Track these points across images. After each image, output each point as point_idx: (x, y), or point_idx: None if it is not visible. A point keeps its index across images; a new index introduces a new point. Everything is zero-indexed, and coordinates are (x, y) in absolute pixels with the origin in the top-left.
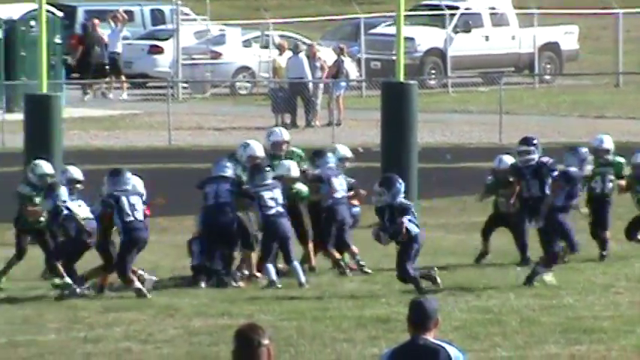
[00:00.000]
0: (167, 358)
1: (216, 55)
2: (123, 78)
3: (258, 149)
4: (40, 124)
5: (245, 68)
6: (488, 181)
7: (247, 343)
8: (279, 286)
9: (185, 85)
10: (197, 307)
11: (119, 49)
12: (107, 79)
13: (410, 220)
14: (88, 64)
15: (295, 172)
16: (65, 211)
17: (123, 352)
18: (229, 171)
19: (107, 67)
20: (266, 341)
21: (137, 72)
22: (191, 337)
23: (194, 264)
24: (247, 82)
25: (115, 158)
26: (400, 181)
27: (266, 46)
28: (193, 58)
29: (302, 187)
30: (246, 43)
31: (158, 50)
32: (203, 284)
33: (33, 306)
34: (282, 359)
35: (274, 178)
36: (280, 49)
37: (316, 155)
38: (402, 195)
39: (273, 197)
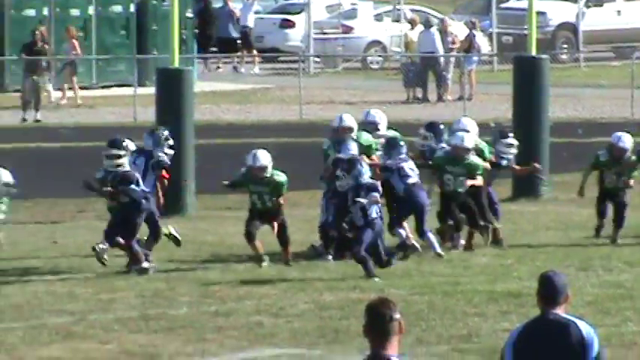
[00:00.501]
0: (298, 332)
1: (348, 30)
2: (254, 52)
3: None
4: (171, 98)
5: (376, 42)
6: (602, 157)
7: (378, 317)
8: (418, 247)
9: (317, 59)
10: (328, 282)
11: (251, 23)
12: (239, 54)
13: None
14: (209, 37)
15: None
16: None
17: (254, 325)
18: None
19: (239, 41)
20: (397, 315)
21: (268, 46)
22: (322, 311)
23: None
24: (379, 56)
25: (246, 132)
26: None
27: (397, 20)
28: (325, 33)
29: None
30: (378, 17)
31: (290, 24)
32: (330, 257)
33: (164, 280)
34: (413, 333)
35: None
36: (412, 23)
37: (390, 145)
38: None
39: (412, 167)
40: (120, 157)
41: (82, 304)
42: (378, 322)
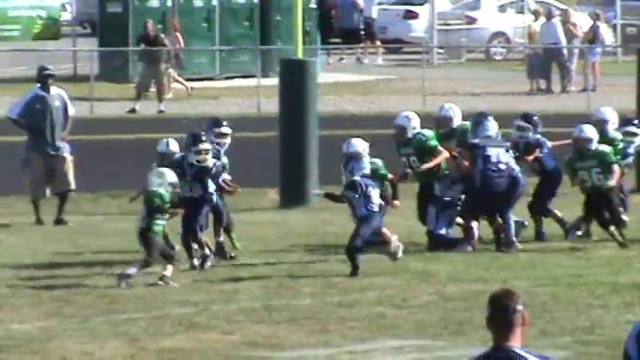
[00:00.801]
0: (421, 324)
1: (472, 21)
2: (378, 43)
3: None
4: (295, 89)
5: (500, 33)
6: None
7: (502, 309)
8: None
9: (440, 50)
10: (451, 273)
11: (374, 14)
12: (362, 45)
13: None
14: (330, 29)
15: None
16: None
17: (376, 317)
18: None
19: (362, 32)
20: (520, 307)
21: (392, 37)
22: (445, 302)
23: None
24: (502, 47)
25: (368, 123)
26: None
27: (521, 12)
28: (448, 24)
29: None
30: (502, 9)
31: (413, 15)
32: (470, 248)
33: (287, 270)
34: (537, 325)
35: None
36: (535, 14)
37: (476, 123)
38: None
39: (498, 155)
40: (208, 152)
41: (204, 294)
42: (501, 314)
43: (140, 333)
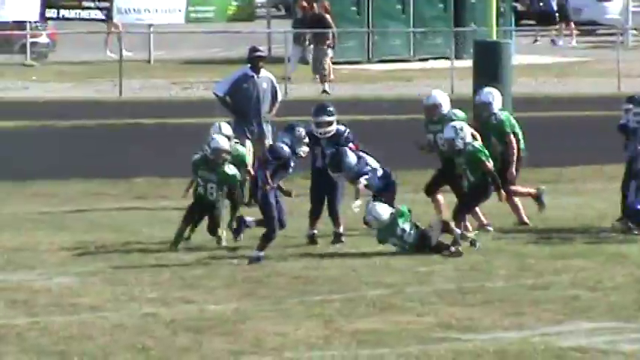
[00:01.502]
0: (615, 306)
1: None
2: (572, 25)
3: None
4: (489, 71)
5: None
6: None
7: None
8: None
9: (634, 32)
10: None
11: None
12: (556, 27)
13: None
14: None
15: None
16: None
17: (570, 299)
18: None
19: (556, 14)
20: None
21: (586, 19)
22: (639, 284)
23: None
24: None
25: (562, 105)
26: None
27: None
28: None
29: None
30: None
31: None
32: None
33: (481, 253)
34: None
35: None
36: None
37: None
38: None
39: None
40: (331, 123)
41: (399, 276)
42: None
43: (334, 314)
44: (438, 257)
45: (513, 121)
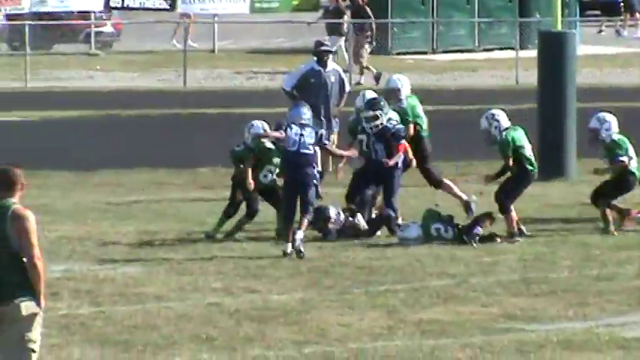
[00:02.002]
0: None
1: None
2: (637, 16)
3: None
4: (553, 62)
5: None
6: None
7: None
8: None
9: None
10: None
11: None
12: (621, 17)
13: None
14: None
15: None
16: None
17: (635, 290)
18: None
19: (621, 4)
20: None
21: None
22: None
23: None
24: None
25: (627, 96)
26: None
27: None
28: None
29: None
30: None
31: None
32: None
33: (545, 243)
34: None
35: None
36: None
37: None
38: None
39: None
40: (378, 117)
41: (463, 266)
42: None
43: (399, 304)
44: (502, 247)
45: (418, 111)
